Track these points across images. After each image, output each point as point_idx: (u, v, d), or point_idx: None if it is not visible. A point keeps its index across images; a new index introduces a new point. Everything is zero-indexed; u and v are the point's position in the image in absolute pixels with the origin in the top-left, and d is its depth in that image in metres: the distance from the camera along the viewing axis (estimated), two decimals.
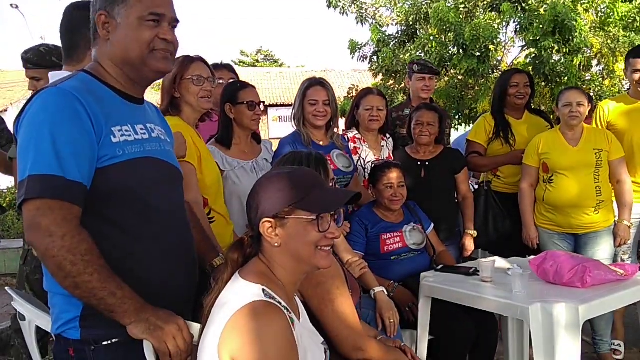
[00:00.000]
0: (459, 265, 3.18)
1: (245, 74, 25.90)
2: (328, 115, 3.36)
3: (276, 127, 22.06)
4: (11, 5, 19.04)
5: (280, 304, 1.49)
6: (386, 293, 2.92)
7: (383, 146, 3.84)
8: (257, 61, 41.40)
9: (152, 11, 1.67)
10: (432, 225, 3.54)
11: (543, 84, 7.53)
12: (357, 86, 11.20)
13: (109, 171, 1.55)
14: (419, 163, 3.79)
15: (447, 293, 2.74)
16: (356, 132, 3.78)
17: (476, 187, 4.28)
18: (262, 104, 3.12)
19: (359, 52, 9.54)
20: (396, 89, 9.81)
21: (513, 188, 3.96)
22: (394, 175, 3.31)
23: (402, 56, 8.93)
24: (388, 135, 3.92)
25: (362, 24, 9.53)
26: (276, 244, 1.56)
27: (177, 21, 1.75)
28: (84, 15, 2.11)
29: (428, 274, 3.00)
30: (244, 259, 1.62)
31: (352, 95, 10.34)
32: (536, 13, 7.31)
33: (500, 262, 3.15)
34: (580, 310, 2.32)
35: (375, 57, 9.43)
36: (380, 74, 9.47)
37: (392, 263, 3.26)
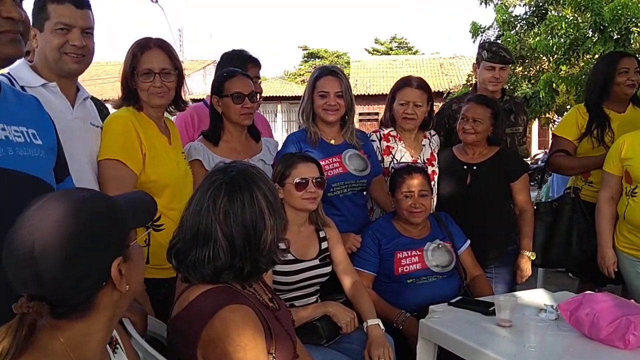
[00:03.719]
0: (481, 299, 2.55)
1: (371, 63, 25.52)
2: (341, 108, 2.87)
3: None
4: (151, 0, 20.31)
5: None
6: (384, 326, 2.42)
7: (424, 145, 3.26)
8: (391, 49, 40.82)
9: None
10: (468, 243, 2.93)
11: None
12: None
13: None
14: (464, 167, 3.17)
15: (444, 339, 2.18)
16: (392, 128, 3.24)
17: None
18: (255, 95, 2.71)
19: (482, 35, 8.85)
20: (520, 76, 9.07)
21: None
22: (414, 183, 2.75)
23: (529, 40, 8.18)
24: (433, 132, 3.33)
25: (487, 5, 8.79)
26: (127, 287, 1.15)
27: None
28: None
29: (438, 307, 2.44)
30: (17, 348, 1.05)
31: (470, 82, 9.59)
32: None
33: (539, 296, 2.50)
34: None
35: (499, 41, 8.68)
36: None
37: (406, 287, 2.72)
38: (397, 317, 2.62)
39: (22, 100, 1.59)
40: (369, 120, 22.52)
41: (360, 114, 23.82)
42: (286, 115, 25.59)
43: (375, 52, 39.52)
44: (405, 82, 3.20)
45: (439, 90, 18.44)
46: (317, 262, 2.55)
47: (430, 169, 3.18)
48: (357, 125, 3.08)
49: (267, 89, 21.14)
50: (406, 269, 2.73)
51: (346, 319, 2.36)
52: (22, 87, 1.90)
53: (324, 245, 2.61)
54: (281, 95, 24.97)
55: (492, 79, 3.52)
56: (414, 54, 36.96)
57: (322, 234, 2.62)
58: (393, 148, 3.18)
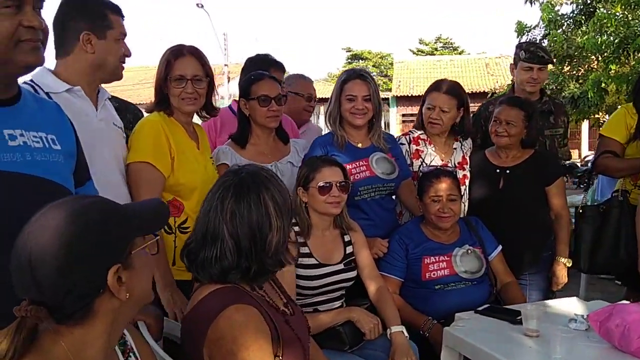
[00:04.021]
0: (510, 307, 2.47)
1: (415, 64, 25.27)
2: (369, 112, 2.84)
3: None
4: (197, 4, 20.68)
5: None
6: (411, 333, 2.38)
7: (455, 148, 3.19)
8: (436, 49, 40.34)
9: None
10: (499, 248, 2.85)
11: None
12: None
13: None
14: (497, 170, 3.08)
15: (468, 348, 2.11)
16: (421, 131, 3.18)
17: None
18: (282, 98, 2.71)
19: (528, 35, 8.64)
20: (567, 75, 8.81)
21: None
22: (442, 187, 2.70)
23: (577, 39, 7.96)
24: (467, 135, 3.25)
25: (532, 4, 8.57)
26: (127, 295, 1.15)
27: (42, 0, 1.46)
28: (67, 7, 2.07)
29: (464, 315, 2.37)
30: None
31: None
32: None
33: (572, 305, 2.41)
34: None
35: (545, 41, 8.46)
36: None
37: (434, 294, 2.66)
38: (423, 323, 2.56)
39: (43, 106, 1.63)
40: (412, 121, 22.19)
41: (404, 115, 23.67)
42: None
43: (419, 53, 39.11)
44: (434, 86, 3.13)
45: (484, 91, 18.10)
46: (341, 266, 2.53)
47: (461, 173, 3.11)
48: (399, 126, 3.02)
49: None
50: (434, 274, 2.67)
51: (370, 325, 2.33)
52: (46, 93, 1.95)
53: (349, 249, 2.58)
54: (324, 97, 24.99)
55: (530, 80, 3.42)
56: (460, 54, 36.44)
57: (347, 238, 2.60)
58: (423, 151, 3.12)
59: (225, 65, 21.63)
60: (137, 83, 22.84)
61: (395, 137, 3.20)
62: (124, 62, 2.17)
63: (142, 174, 2.25)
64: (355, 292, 2.63)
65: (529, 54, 3.42)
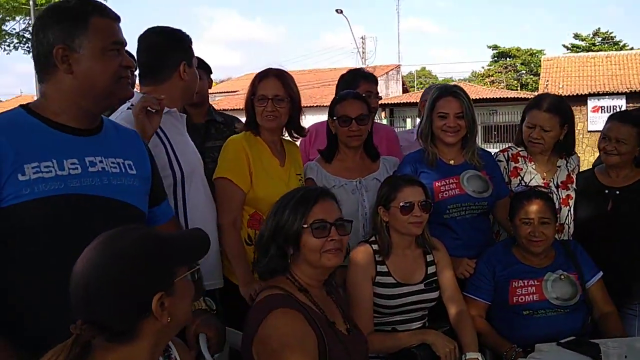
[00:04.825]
0: (595, 341, 2.29)
1: (566, 62, 23.63)
2: (461, 130, 2.79)
3: (596, 119, 19.56)
4: (336, 10, 21.21)
5: None
6: None
7: (559, 167, 3.01)
8: (593, 44, 37.43)
9: (115, 40, 1.68)
10: (599, 275, 2.66)
11: None
12: None
13: (12, 211, 1.55)
14: (606, 191, 2.87)
15: None
16: (522, 147, 3.05)
17: None
18: (365, 117, 2.76)
19: None
20: None
21: None
22: (534, 209, 2.58)
23: None
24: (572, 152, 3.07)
25: None
26: (169, 319, 1.29)
27: (126, 44, 1.72)
28: (166, 39, 2.38)
29: (544, 346, 2.27)
30: None
31: None
32: None
33: None
34: None
35: None
36: None
37: (523, 319, 2.56)
38: (507, 350, 2.47)
39: (122, 134, 1.85)
40: None
41: None
42: None
43: (575, 49, 36.53)
44: (535, 103, 2.96)
45: None
46: (422, 286, 2.52)
47: (564, 193, 2.95)
48: None
49: None
50: (521, 299, 2.56)
51: (445, 349, 2.30)
52: None
53: (431, 269, 2.57)
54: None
55: None
56: (621, 49, 33.40)
57: (429, 258, 2.59)
58: (522, 169, 2.99)
59: (363, 68, 21.90)
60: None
61: (493, 153, 3.10)
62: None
63: (222, 189, 2.53)
64: (442, 313, 2.61)
65: None
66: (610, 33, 38.12)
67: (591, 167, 3.24)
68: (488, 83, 37.85)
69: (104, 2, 1.77)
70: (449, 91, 2.83)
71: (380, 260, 2.50)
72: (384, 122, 22.89)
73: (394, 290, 2.48)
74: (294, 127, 2.70)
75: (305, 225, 1.88)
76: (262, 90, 2.56)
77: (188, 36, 2.40)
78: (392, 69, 26.41)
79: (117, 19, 1.74)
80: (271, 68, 2.65)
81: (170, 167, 2.25)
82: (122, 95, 1.76)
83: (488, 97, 24.27)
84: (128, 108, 2.17)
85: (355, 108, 2.76)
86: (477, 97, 24.34)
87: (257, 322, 1.71)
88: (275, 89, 2.55)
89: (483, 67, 44.62)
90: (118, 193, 1.72)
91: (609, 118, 2.92)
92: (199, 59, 3.43)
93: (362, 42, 22.62)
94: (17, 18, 20.53)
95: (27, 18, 19.64)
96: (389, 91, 25.16)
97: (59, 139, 1.65)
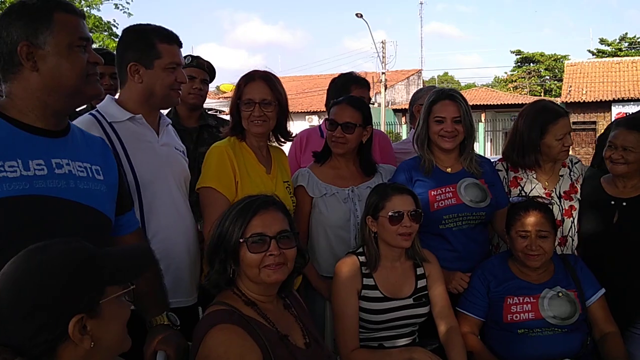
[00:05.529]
0: None
1: (590, 67, 23.19)
2: (459, 135, 2.65)
3: None
4: (356, 14, 21.10)
5: None
6: None
7: (562, 175, 2.86)
8: (620, 49, 36.72)
9: (80, 35, 1.64)
10: (601, 292, 2.50)
11: None
12: None
13: None
14: (612, 202, 2.72)
15: None
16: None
17: None
18: (352, 127, 2.63)
19: None
20: None
21: None
22: (531, 221, 2.43)
23: None
24: (575, 159, 2.91)
25: None
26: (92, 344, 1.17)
27: (93, 41, 1.66)
28: (121, 39, 2.28)
29: None
30: None
31: None
32: None
33: None
34: None
35: None
36: None
37: (517, 338, 2.41)
38: None
39: (89, 140, 1.79)
40: (583, 129, 20.50)
41: (574, 123, 21.81)
42: (490, 124, 24.51)
43: (600, 54, 35.90)
44: (557, 113, 2.78)
45: None
46: (410, 301, 2.40)
47: (567, 204, 2.80)
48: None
49: (471, 98, 20.53)
50: (516, 317, 2.42)
51: None
52: (109, 122, 2.14)
53: (421, 282, 2.45)
54: (485, 103, 23.96)
55: None
56: None
57: (420, 271, 2.46)
58: (522, 179, 2.85)
59: (383, 73, 21.78)
60: (300, 92, 23.95)
61: (492, 161, 2.95)
62: (178, 89, 2.27)
63: (207, 198, 2.38)
64: (431, 329, 2.48)
65: None
66: (638, 38, 37.36)
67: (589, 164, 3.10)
68: (511, 89, 37.34)
69: (129, 3, 1.73)
70: (446, 94, 2.70)
71: (367, 273, 2.39)
72: (404, 127, 22.70)
73: (381, 304, 2.36)
74: (281, 131, 2.59)
75: (242, 240, 1.76)
76: (248, 94, 2.43)
77: (152, 34, 2.21)
78: (412, 74, 26.22)
79: (82, 15, 1.69)
80: (257, 70, 2.53)
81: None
82: (91, 93, 1.69)
83: (510, 103, 23.90)
84: (89, 113, 2.09)
85: (345, 114, 2.64)
86: (499, 103, 24.03)
87: (197, 341, 1.64)
88: (262, 93, 2.43)
89: (506, 72, 44.10)
90: (85, 197, 1.65)
91: (615, 124, 2.76)
92: (199, 59, 3.32)
93: (382, 47, 22.42)
94: None
95: None
96: (410, 96, 24.93)
97: (24, 139, 1.60)
